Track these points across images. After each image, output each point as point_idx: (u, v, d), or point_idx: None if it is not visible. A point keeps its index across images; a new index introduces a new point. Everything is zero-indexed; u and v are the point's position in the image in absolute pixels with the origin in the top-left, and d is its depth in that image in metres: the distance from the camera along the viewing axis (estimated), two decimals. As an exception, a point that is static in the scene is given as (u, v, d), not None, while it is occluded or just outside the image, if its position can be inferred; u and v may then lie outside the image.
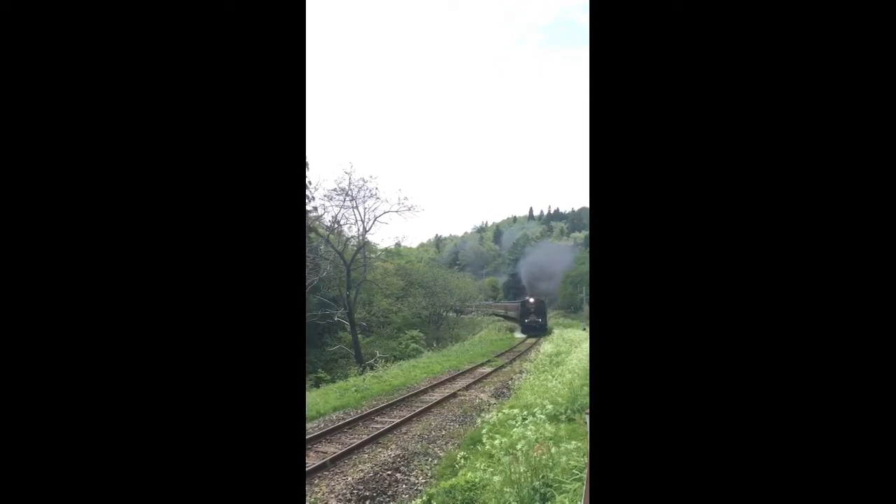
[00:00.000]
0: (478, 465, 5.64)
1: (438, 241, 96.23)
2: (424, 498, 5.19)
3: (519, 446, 4.64)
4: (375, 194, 23.70)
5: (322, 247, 21.09)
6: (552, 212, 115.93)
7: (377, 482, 5.91)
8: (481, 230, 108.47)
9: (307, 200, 24.38)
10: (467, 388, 11.88)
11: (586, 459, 4.00)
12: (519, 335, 28.82)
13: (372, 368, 16.13)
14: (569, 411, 7.66)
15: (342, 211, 20.86)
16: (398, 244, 31.46)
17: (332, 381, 15.18)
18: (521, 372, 14.09)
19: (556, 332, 27.51)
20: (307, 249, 20.40)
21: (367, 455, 6.89)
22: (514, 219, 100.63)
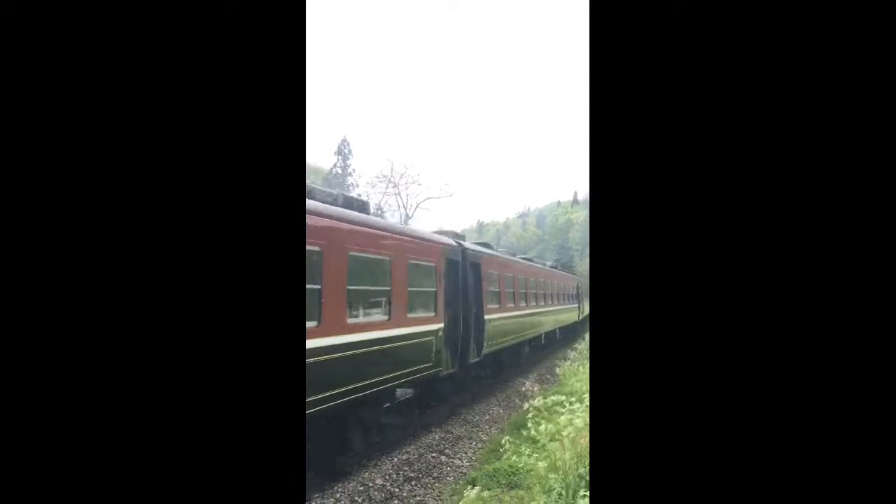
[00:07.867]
0: (522, 449, 5.62)
1: (480, 227, 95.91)
2: (468, 480, 5.22)
3: (566, 433, 4.58)
4: (417, 181, 23.80)
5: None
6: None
7: (422, 463, 6.00)
8: (524, 216, 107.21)
9: (351, 188, 24.79)
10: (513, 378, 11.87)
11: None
12: None
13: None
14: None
15: (385, 198, 21.07)
16: (440, 230, 31.62)
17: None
18: (564, 359, 13.92)
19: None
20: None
21: (411, 436, 7.01)
22: (559, 203, 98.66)
